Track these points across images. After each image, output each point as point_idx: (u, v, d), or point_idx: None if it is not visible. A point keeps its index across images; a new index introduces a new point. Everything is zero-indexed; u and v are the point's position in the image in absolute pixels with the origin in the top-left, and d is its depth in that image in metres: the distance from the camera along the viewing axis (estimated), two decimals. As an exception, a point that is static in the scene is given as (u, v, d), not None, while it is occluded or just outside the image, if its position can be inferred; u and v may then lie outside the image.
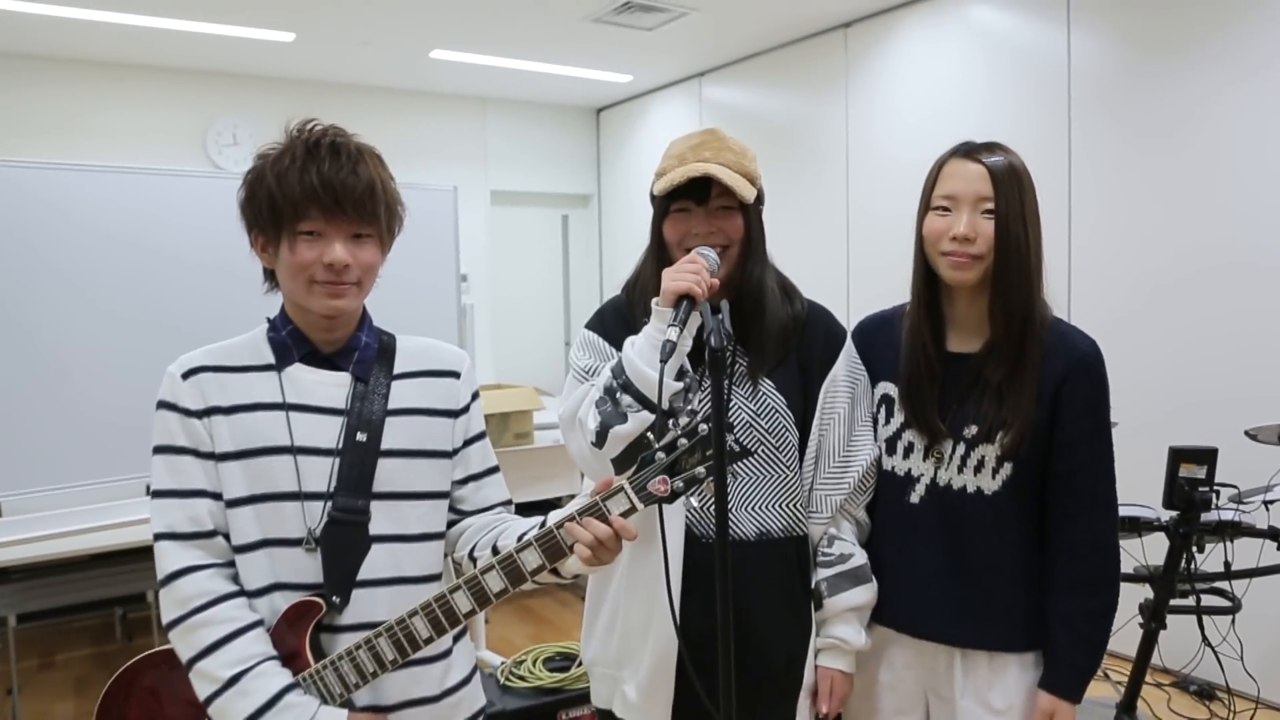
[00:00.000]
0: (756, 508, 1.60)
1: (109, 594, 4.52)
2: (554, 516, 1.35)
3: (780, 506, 1.61)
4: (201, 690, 1.29)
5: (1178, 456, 2.42)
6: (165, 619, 1.32)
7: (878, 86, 4.87)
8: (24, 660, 4.15)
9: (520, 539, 1.34)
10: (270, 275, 1.43)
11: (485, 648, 3.99)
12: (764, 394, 1.61)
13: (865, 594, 1.64)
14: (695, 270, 1.45)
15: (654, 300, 1.48)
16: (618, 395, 1.46)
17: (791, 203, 5.37)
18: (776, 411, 1.60)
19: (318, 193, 1.29)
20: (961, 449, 1.62)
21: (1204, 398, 3.50)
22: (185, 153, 5.64)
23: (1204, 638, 2.61)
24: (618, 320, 1.66)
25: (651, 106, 6.64)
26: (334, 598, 1.34)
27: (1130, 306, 3.75)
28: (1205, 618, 2.60)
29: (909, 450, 1.67)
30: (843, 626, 1.63)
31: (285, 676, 1.30)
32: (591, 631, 1.71)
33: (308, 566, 1.34)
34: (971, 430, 1.61)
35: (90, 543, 3.28)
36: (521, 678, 2.64)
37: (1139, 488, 2.50)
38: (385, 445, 1.39)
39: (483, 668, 3.38)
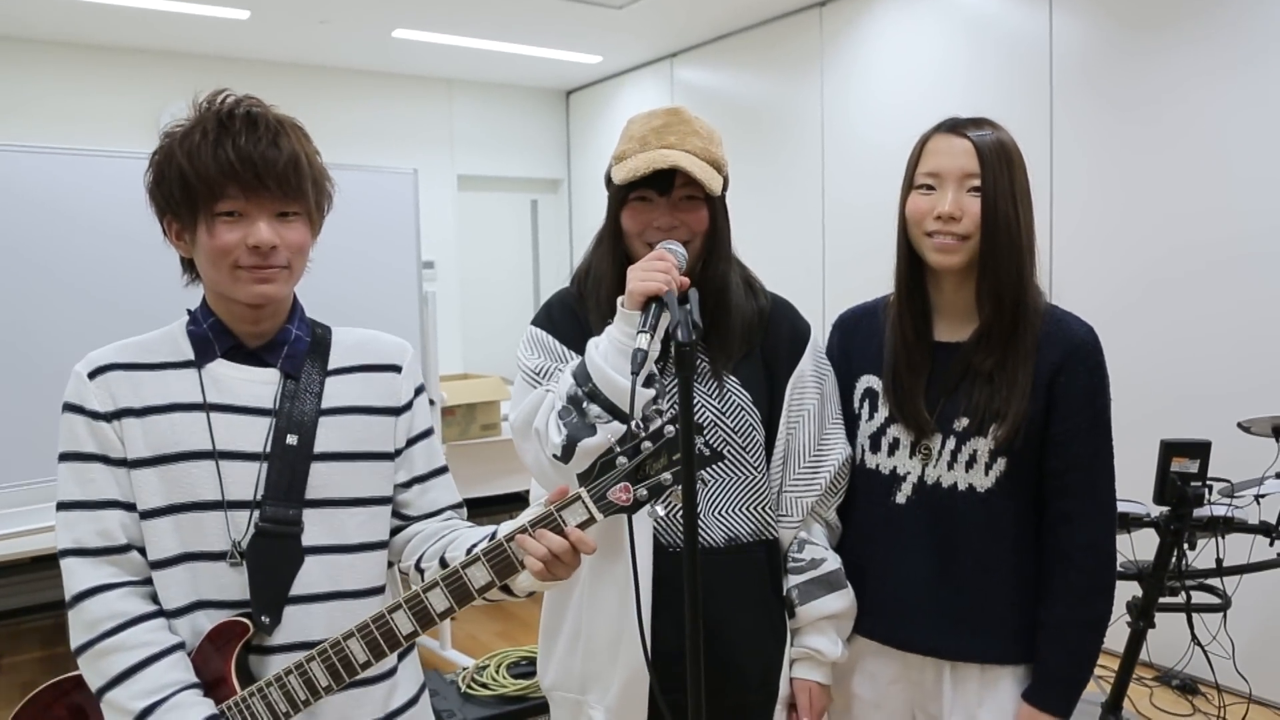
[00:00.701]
0: (724, 512, 1.50)
1: (58, 596, 4.36)
2: (505, 528, 1.23)
3: (749, 510, 1.51)
4: None
5: (1170, 450, 2.33)
6: (74, 643, 1.20)
7: (854, 68, 4.75)
8: (-33, 666, 3.99)
9: (469, 552, 1.22)
10: (189, 266, 1.30)
11: (451, 647, 3.86)
12: (729, 391, 1.51)
13: (839, 601, 1.53)
14: (665, 269, 1.34)
15: (619, 300, 1.37)
16: (584, 405, 1.34)
17: (765, 189, 5.26)
18: (742, 409, 1.51)
19: (235, 168, 1.17)
20: (951, 443, 1.51)
21: (1195, 389, 3.42)
22: (140, 135, 5.44)
23: (1193, 636, 2.54)
24: (567, 316, 1.55)
25: (622, 88, 6.49)
26: (263, 617, 1.22)
27: (1117, 296, 3.67)
28: (1195, 615, 2.53)
29: (894, 447, 1.56)
30: (817, 636, 1.53)
31: (206, 707, 1.18)
32: (550, 653, 1.58)
33: (233, 583, 1.23)
34: (962, 423, 1.50)
35: (38, 543, 3.13)
36: (484, 685, 2.52)
37: (1129, 482, 2.41)
38: (319, 448, 1.27)
39: (446, 671, 3.28)
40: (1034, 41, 3.91)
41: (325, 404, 1.30)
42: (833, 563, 1.55)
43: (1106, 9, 3.66)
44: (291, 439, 1.25)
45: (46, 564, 3.92)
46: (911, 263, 1.55)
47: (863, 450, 1.60)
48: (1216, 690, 3.29)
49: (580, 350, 1.43)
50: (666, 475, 1.16)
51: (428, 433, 1.41)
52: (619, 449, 1.17)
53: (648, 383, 1.33)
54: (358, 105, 6.19)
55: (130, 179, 3.15)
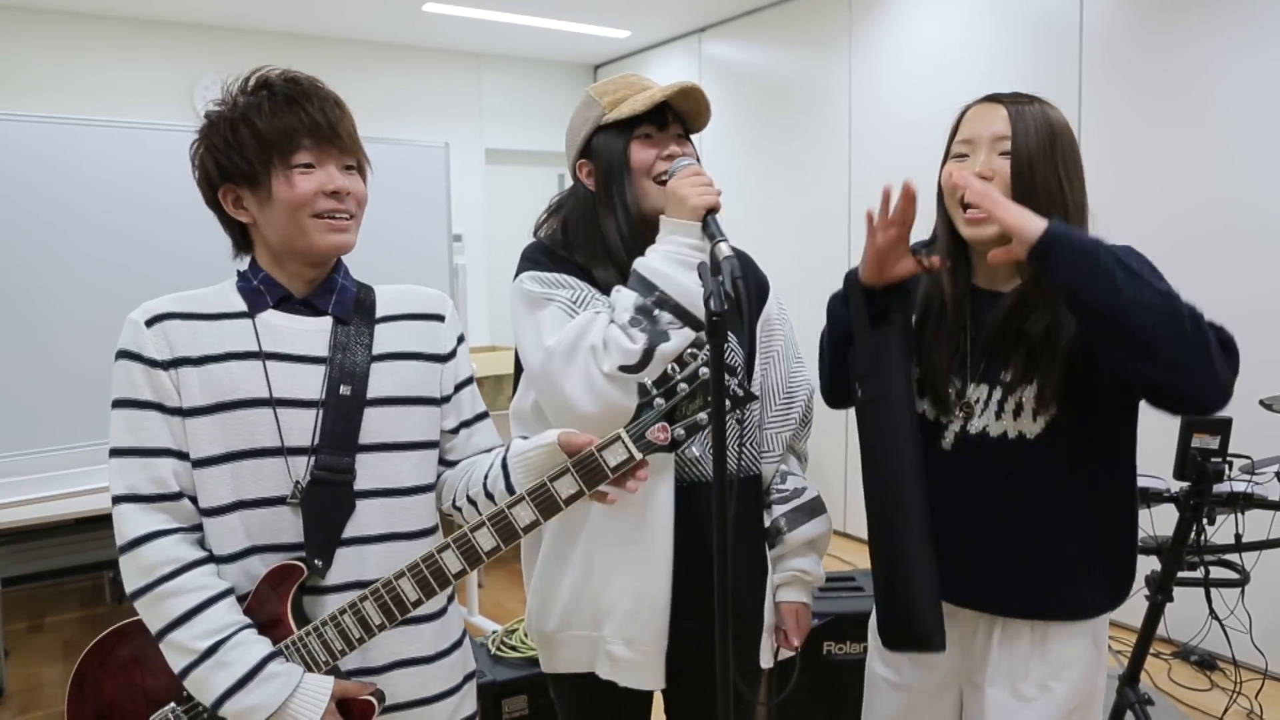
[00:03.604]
0: (710, 451, 1.56)
1: (98, 557, 4.50)
2: (515, 451, 1.30)
3: (736, 448, 1.59)
4: (176, 662, 1.23)
5: (1190, 426, 2.35)
6: (129, 587, 1.25)
7: (884, 43, 4.73)
8: (13, 623, 4.11)
9: (511, 492, 1.28)
10: (240, 235, 1.35)
11: (478, 613, 3.95)
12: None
13: (820, 525, 1.64)
14: (707, 180, 1.45)
15: (666, 217, 1.46)
16: (654, 313, 1.39)
17: (792, 163, 5.26)
18: (730, 352, 1.55)
19: (313, 121, 1.26)
20: (998, 393, 1.45)
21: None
22: (173, 107, 5.51)
23: (1211, 611, 2.56)
24: (561, 262, 1.57)
25: (650, 63, 6.48)
26: (316, 560, 1.28)
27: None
28: (1213, 590, 2.55)
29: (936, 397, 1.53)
30: (801, 559, 1.63)
31: (265, 645, 1.24)
32: (552, 597, 1.60)
33: (288, 527, 1.28)
34: (1007, 375, 1.45)
35: (79, 506, 3.22)
36: (513, 648, 2.59)
37: (1149, 457, 2.43)
38: (371, 394, 1.32)
39: (474, 635, 3.35)
40: (1063, 18, 3.89)
41: (376, 350, 1.35)
42: (812, 491, 1.66)
43: (1139, -16, 3.63)
44: (345, 389, 1.30)
45: (87, 526, 4.04)
46: (953, 239, 1.50)
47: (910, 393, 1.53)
48: (1234, 665, 3.32)
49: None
50: (702, 415, 1.20)
51: (470, 380, 1.48)
52: (655, 390, 1.21)
53: (723, 268, 1.32)
54: (388, 79, 6.22)
55: (161, 151, 3.28)
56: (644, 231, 1.52)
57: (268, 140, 1.25)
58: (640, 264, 1.44)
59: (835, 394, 1.65)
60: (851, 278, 1.51)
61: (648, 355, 1.38)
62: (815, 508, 1.64)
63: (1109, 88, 3.75)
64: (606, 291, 1.50)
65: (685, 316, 1.39)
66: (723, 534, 1.16)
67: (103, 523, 3.71)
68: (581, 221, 1.58)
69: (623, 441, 1.20)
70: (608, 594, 1.55)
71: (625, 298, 1.42)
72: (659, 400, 1.20)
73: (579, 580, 1.58)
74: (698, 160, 1.56)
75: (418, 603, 1.26)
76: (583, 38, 6.17)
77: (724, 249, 1.26)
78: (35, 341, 3.12)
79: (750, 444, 1.61)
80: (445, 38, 6.14)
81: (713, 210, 1.42)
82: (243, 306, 1.32)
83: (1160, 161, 3.60)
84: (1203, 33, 3.44)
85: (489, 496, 1.33)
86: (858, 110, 4.90)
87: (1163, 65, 3.57)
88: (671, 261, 1.42)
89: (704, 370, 1.20)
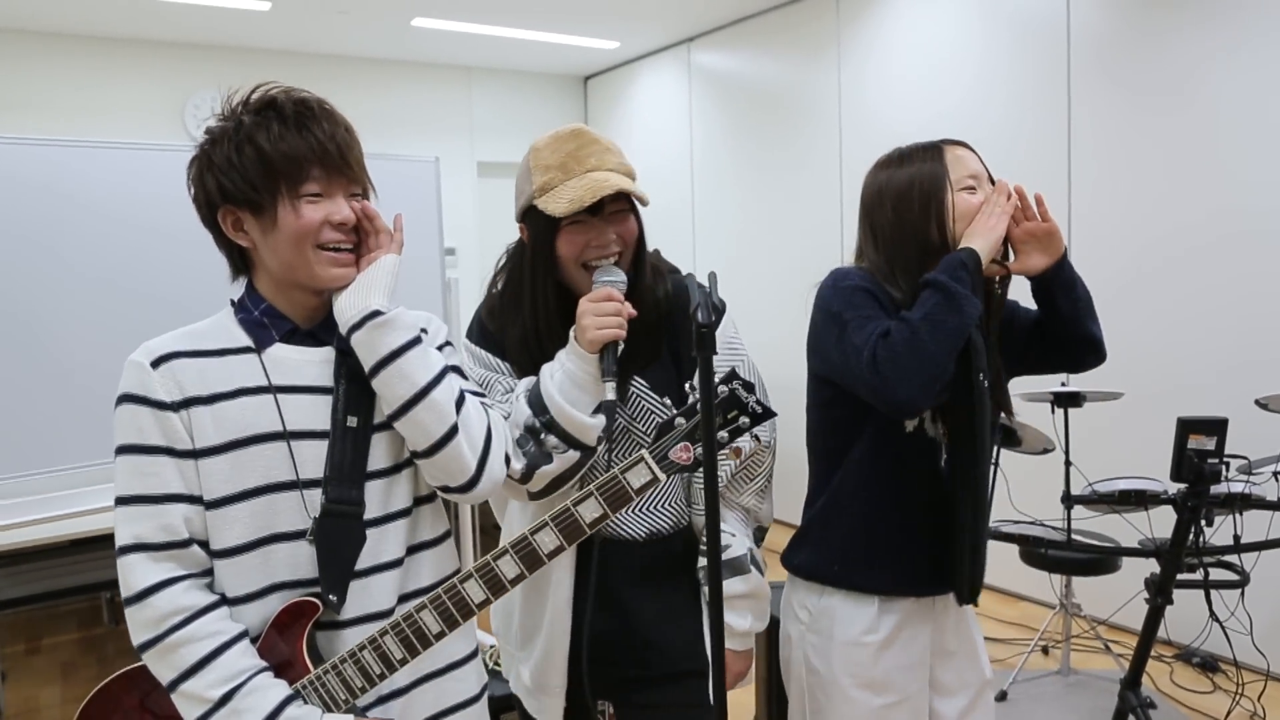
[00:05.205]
0: (646, 509, 1.59)
1: (95, 578, 4.47)
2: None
3: (669, 504, 1.60)
4: (189, 712, 1.18)
5: (1186, 427, 2.34)
6: (138, 639, 1.19)
7: (872, 49, 4.75)
8: (10, 645, 4.10)
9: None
10: (239, 258, 1.31)
11: (476, 628, 3.93)
12: (636, 396, 1.55)
13: (741, 585, 1.57)
14: (616, 310, 1.39)
15: (572, 332, 1.42)
16: (541, 436, 1.39)
17: (783, 172, 5.26)
18: (652, 413, 1.54)
19: (325, 150, 1.22)
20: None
21: (1213, 366, 3.42)
22: (164, 126, 5.51)
23: (1211, 613, 2.56)
24: (489, 341, 1.59)
25: (640, 73, 6.50)
26: (330, 595, 1.24)
27: (1134, 274, 3.67)
28: (1213, 591, 2.55)
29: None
30: (727, 613, 1.56)
31: (282, 688, 1.20)
32: (508, 608, 1.70)
33: (305, 562, 1.24)
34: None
35: (76, 527, 3.20)
36: (513, 662, 2.58)
37: (1147, 459, 2.44)
38: (378, 419, 1.30)
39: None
40: (1051, 20, 3.90)
41: None
42: (738, 548, 1.58)
43: (1126, -13, 3.65)
44: (353, 420, 1.27)
45: (83, 548, 4.01)
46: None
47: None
48: (1235, 667, 3.31)
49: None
50: (723, 434, 1.23)
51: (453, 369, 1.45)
52: (676, 411, 1.24)
53: (602, 410, 1.39)
54: (378, 94, 6.23)
55: (153, 170, 3.26)
56: (566, 310, 1.48)
57: (275, 166, 1.20)
58: (542, 378, 1.43)
59: (940, 388, 1.48)
60: (974, 261, 1.49)
61: (527, 476, 1.39)
62: (737, 565, 1.57)
63: (1098, 90, 3.76)
64: (522, 370, 1.52)
65: (572, 441, 1.39)
66: (715, 566, 1.17)
67: (98, 544, 3.69)
68: (517, 285, 1.57)
69: (646, 463, 1.22)
70: (526, 624, 1.63)
71: (520, 412, 1.43)
72: (680, 420, 1.22)
73: (508, 601, 1.67)
74: (626, 277, 1.47)
75: (440, 635, 1.24)
76: (572, 49, 6.19)
77: (609, 389, 1.34)
78: (29, 362, 3.10)
79: (681, 500, 1.61)
80: (435, 52, 6.15)
81: (613, 343, 1.37)
82: (247, 341, 1.28)
83: (1149, 162, 3.61)
84: (1190, 33, 3.45)
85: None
86: (848, 116, 4.91)
87: (1151, 66, 3.58)
88: (567, 387, 1.39)
89: (722, 389, 1.22)
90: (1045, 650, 3.59)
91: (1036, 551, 3.16)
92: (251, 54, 5.82)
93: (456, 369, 1.37)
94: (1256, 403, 2.61)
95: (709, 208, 5.87)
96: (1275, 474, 2.49)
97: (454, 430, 1.27)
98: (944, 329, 1.43)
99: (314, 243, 1.23)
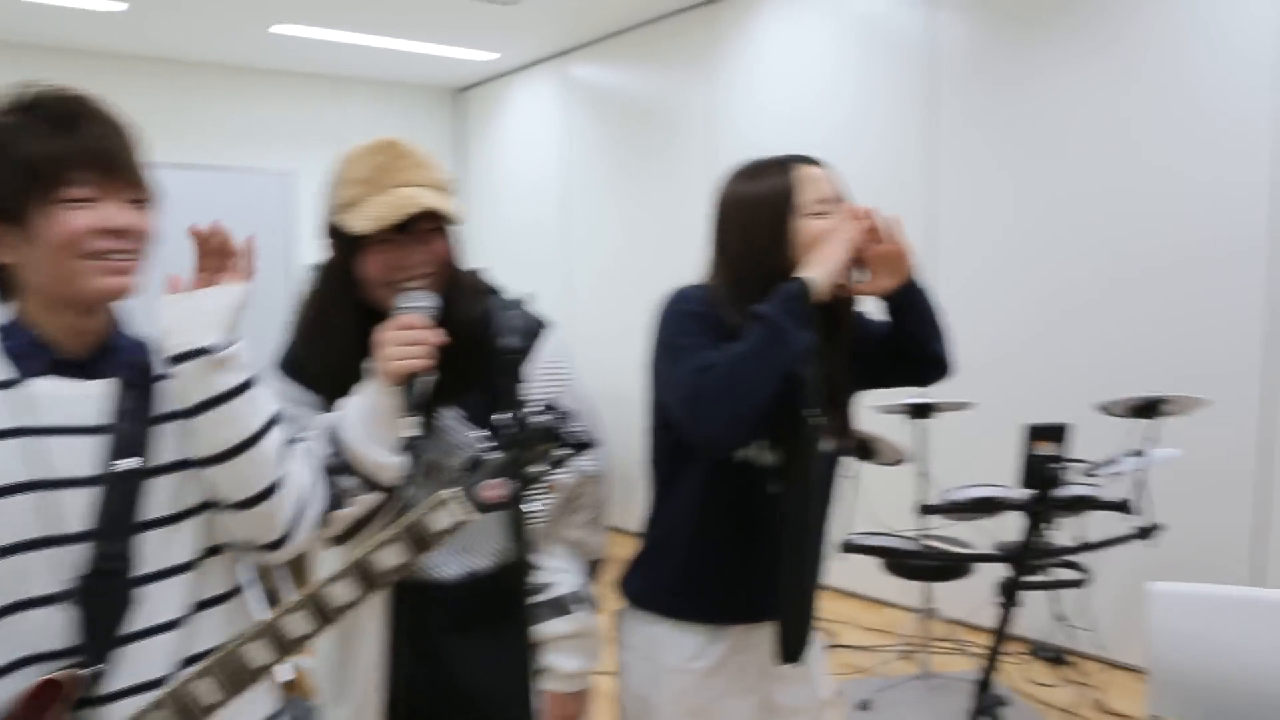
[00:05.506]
0: (461, 548, 1.47)
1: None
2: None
3: (487, 541, 1.49)
4: None
5: (1031, 434, 2.44)
6: None
7: (740, 65, 4.83)
8: None
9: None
10: (2, 280, 1.15)
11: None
12: (448, 429, 1.45)
13: (564, 625, 1.49)
14: (419, 338, 1.29)
15: (369, 365, 1.32)
16: (334, 477, 1.30)
17: (656, 185, 5.29)
18: (466, 448, 1.44)
19: (91, 150, 1.08)
20: None
21: (1060, 373, 3.59)
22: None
23: (1056, 612, 2.67)
24: (295, 369, 1.48)
25: (515, 86, 6.45)
26: (93, 666, 1.08)
27: (988, 286, 3.83)
28: (1059, 590, 2.66)
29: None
30: (552, 654, 1.50)
31: None
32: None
33: (60, 630, 1.09)
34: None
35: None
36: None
37: (996, 467, 2.52)
38: (155, 462, 1.16)
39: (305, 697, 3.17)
40: (917, 40, 4.05)
41: (156, 411, 1.18)
42: (562, 587, 1.50)
43: (986, 6, 3.82)
44: (125, 460, 1.13)
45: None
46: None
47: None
48: (1083, 659, 3.48)
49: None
50: (539, 468, 1.14)
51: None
52: (485, 444, 1.16)
53: (406, 447, 1.30)
54: (238, 103, 5.98)
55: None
56: (369, 333, 1.37)
57: (32, 168, 1.06)
58: (339, 415, 1.33)
59: (751, 428, 1.45)
60: (803, 292, 1.45)
61: (320, 521, 1.30)
62: (560, 605, 1.49)
63: (960, 109, 3.92)
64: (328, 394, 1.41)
65: (371, 483, 1.31)
66: (524, 612, 1.14)
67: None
68: (321, 309, 1.47)
69: (450, 505, 1.11)
70: (334, 674, 1.55)
71: (316, 451, 1.33)
72: (488, 455, 1.14)
73: (323, 660, 1.58)
74: (436, 301, 1.38)
75: (217, 705, 1.09)
76: (446, 60, 6.09)
77: (410, 425, 1.27)
78: None
79: (492, 537, 1.50)
80: (297, 60, 5.96)
81: (416, 375, 1.29)
82: (6, 374, 1.12)
83: (1003, 173, 3.79)
84: (1046, 49, 3.64)
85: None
86: (720, 131, 4.97)
87: (1015, 88, 3.76)
88: (366, 423, 1.30)
89: (536, 420, 1.14)
90: (908, 655, 3.69)
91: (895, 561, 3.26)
92: (107, 59, 5.54)
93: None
94: (1098, 408, 2.75)
95: (584, 222, 5.86)
96: (1111, 475, 2.63)
97: (275, 486, 1.16)
98: (765, 364, 1.40)
99: (78, 253, 1.09)
